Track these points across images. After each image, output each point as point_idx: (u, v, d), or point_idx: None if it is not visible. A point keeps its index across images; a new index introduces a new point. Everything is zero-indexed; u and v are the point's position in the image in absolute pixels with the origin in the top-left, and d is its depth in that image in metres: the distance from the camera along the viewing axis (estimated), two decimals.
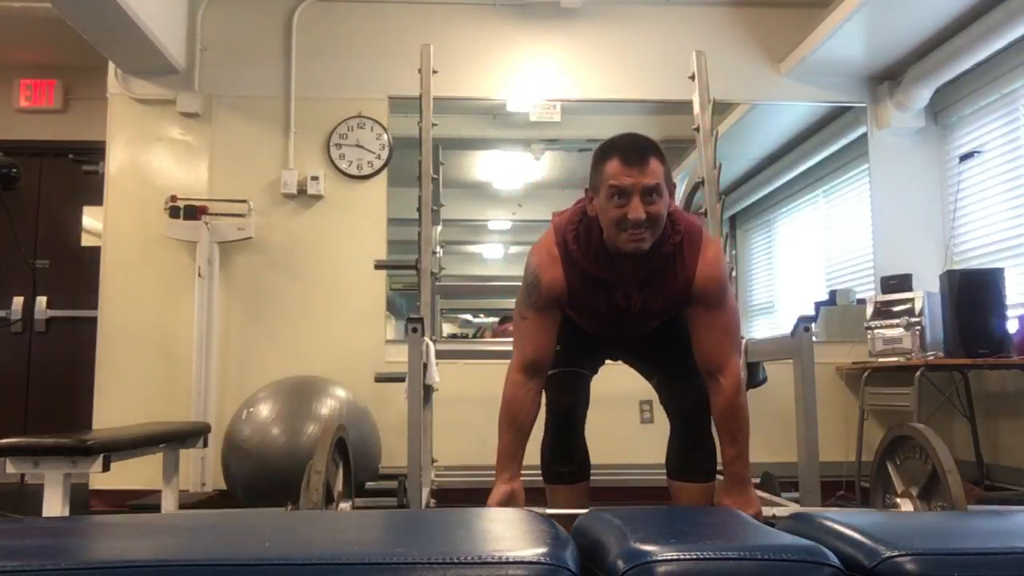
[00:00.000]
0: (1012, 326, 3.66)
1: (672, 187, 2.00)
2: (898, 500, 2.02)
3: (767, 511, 2.77)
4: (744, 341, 3.12)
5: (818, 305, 4.80)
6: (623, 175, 1.89)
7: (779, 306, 5.80)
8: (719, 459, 2.14)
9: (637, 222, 1.88)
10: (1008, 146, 4.09)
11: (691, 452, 2.21)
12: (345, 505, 1.89)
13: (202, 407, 4.03)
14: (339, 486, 1.93)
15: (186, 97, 4.31)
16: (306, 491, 1.72)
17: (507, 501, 1.98)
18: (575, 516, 1.25)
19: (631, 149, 1.92)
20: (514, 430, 2.05)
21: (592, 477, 2.29)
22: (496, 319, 6.14)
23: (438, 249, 3.69)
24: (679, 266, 2.02)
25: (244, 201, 4.23)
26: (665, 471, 2.27)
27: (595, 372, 2.36)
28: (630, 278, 2.04)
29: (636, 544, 0.94)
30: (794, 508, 2.62)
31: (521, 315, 2.10)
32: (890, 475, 2.07)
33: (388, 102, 4.45)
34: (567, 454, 2.24)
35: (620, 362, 2.44)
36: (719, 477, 2.22)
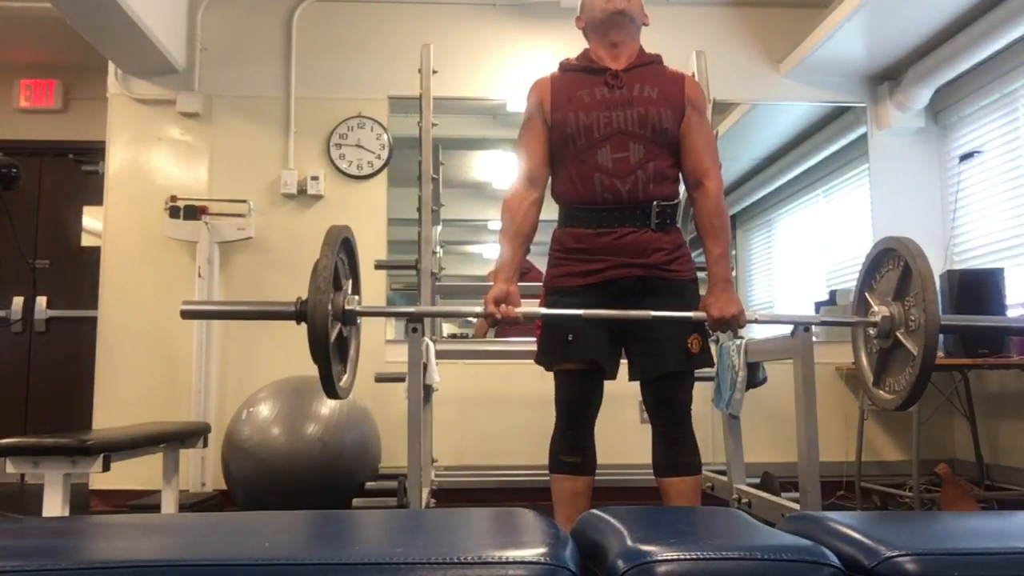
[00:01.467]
0: None
1: (645, 16, 2.31)
2: (875, 308, 2.07)
3: (767, 511, 2.77)
4: (744, 341, 3.13)
5: (818, 305, 4.79)
6: None
7: (779, 306, 5.80)
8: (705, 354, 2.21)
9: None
10: (1008, 146, 4.09)
11: (676, 447, 2.22)
12: (352, 298, 1.94)
13: (202, 407, 4.03)
14: (347, 281, 1.98)
15: (186, 97, 4.31)
16: (314, 279, 1.78)
17: (503, 298, 2.10)
18: (575, 514, 1.25)
19: None
20: (512, 236, 2.19)
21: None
22: None
23: (438, 249, 3.69)
24: (667, 71, 2.27)
25: (244, 201, 4.23)
26: (652, 471, 2.26)
27: (609, 367, 2.29)
28: (617, 62, 2.23)
29: (636, 544, 0.94)
30: (794, 508, 2.62)
31: (519, 136, 2.30)
32: (868, 301, 2.14)
33: (388, 102, 4.45)
34: (574, 445, 2.25)
35: (619, 365, 2.43)
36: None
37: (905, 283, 1.97)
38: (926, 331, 1.87)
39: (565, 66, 2.30)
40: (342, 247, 1.95)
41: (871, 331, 2.10)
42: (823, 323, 2.36)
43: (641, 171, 2.15)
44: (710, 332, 2.25)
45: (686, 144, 2.21)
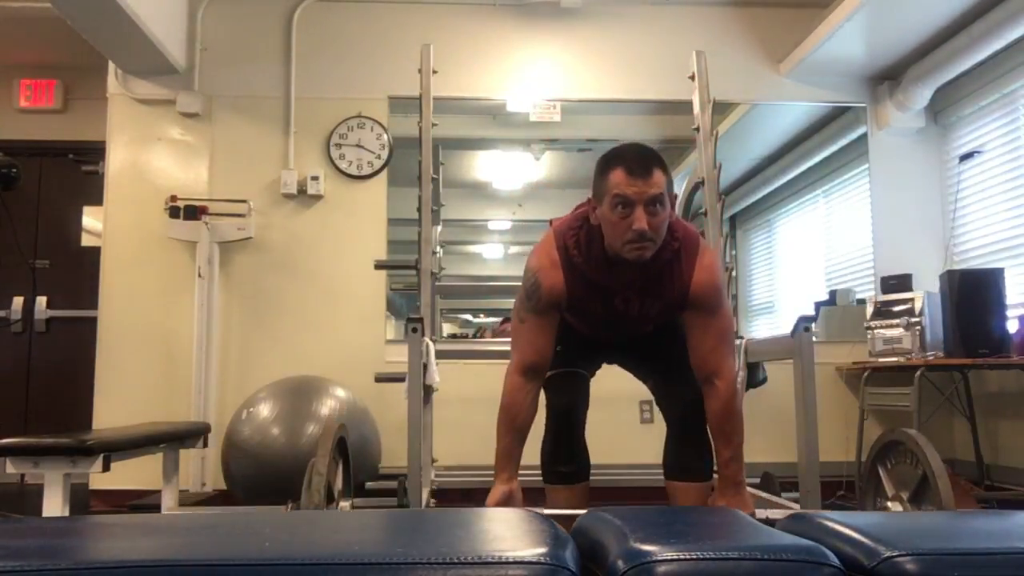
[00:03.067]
0: (1012, 326, 3.66)
1: (673, 198, 2.01)
2: (888, 504, 2.02)
3: (766, 512, 2.77)
4: (744, 341, 3.12)
5: (818, 305, 4.80)
6: (627, 185, 1.90)
7: (779, 306, 5.80)
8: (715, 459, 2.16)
9: (641, 233, 1.90)
10: (1008, 146, 4.09)
11: (688, 451, 2.22)
12: (345, 504, 1.90)
13: (202, 407, 4.03)
14: (339, 485, 1.94)
15: (186, 97, 4.31)
16: (307, 491, 1.73)
17: (505, 501, 2.00)
18: (575, 516, 1.25)
19: (636, 160, 1.93)
20: (513, 432, 2.08)
21: (592, 477, 2.29)
22: (497, 319, 6.14)
23: (438, 249, 3.69)
24: (676, 272, 2.05)
25: (244, 201, 4.23)
26: (663, 471, 2.27)
27: (593, 374, 2.36)
28: (629, 284, 2.06)
29: (636, 544, 0.94)
30: (794, 508, 2.62)
31: (520, 318, 2.11)
32: (881, 479, 2.08)
33: (388, 102, 4.45)
34: (567, 454, 2.25)
35: (617, 366, 2.44)
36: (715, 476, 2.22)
37: (924, 491, 1.91)
38: None
39: (575, 263, 2.06)
40: (337, 447, 1.90)
41: None
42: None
43: (640, 330, 2.23)
44: None
45: (693, 340, 2.09)
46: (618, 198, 1.91)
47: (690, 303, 2.05)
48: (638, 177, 1.90)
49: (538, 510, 2.05)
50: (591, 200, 2.04)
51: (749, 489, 3.08)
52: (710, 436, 2.12)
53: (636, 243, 1.92)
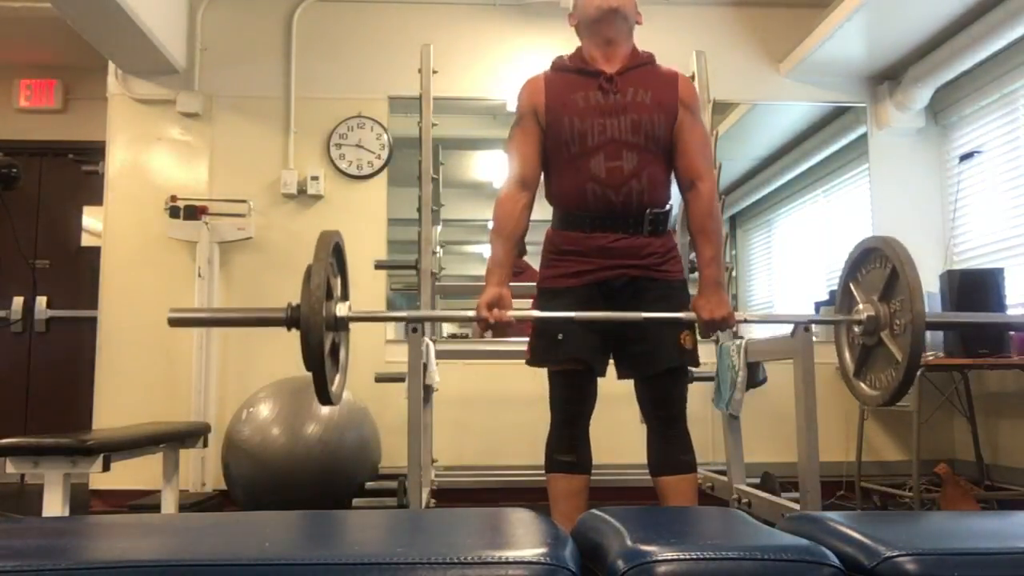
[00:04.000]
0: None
1: (639, 15, 2.28)
2: (859, 307, 2.06)
3: (767, 511, 2.77)
4: (744, 341, 3.12)
5: (818, 305, 4.79)
6: None
7: (779, 306, 5.79)
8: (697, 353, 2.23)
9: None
10: (1008, 146, 4.09)
11: (671, 445, 2.23)
12: (342, 305, 1.94)
13: (202, 407, 4.03)
14: (337, 289, 1.98)
15: (186, 97, 4.31)
16: (306, 287, 1.78)
17: (495, 302, 2.10)
18: (572, 512, 1.25)
19: None
20: (503, 239, 2.20)
21: (592, 477, 2.29)
22: None
23: (438, 249, 3.69)
24: (660, 71, 2.26)
25: (244, 201, 4.23)
26: (648, 471, 2.27)
27: (602, 368, 2.30)
28: (610, 68, 2.20)
29: (636, 544, 0.94)
30: (794, 508, 2.62)
31: (510, 136, 2.29)
32: (853, 293, 2.12)
33: (388, 102, 4.45)
34: (569, 445, 2.25)
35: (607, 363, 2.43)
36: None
37: (892, 286, 1.97)
38: (911, 336, 1.87)
39: (558, 66, 2.28)
40: (333, 253, 1.94)
41: (856, 328, 2.12)
42: (812, 322, 2.38)
43: (635, 180, 2.16)
44: (701, 333, 2.26)
45: (679, 145, 2.21)
46: None
47: (681, 99, 2.20)
48: None
49: (527, 313, 2.16)
50: (571, 16, 2.32)
51: (749, 489, 3.10)
52: (695, 237, 2.21)
53: (608, 5, 2.18)
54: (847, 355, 2.18)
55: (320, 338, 1.78)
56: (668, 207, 2.24)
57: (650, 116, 2.16)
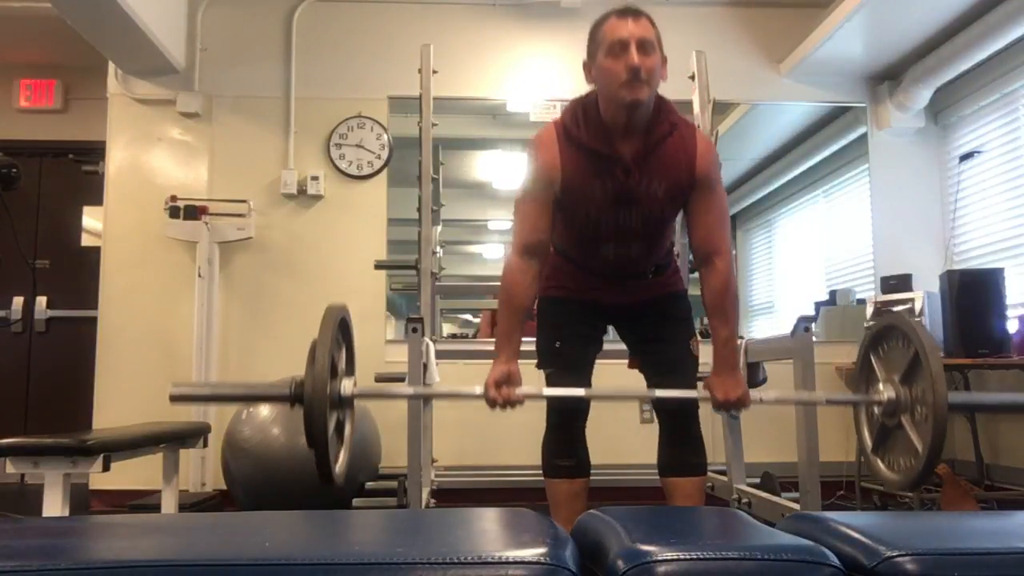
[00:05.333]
0: (1012, 326, 3.66)
1: (664, 59, 2.05)
2: (880, 386, 2.02)
3: (767, 511, 2.77)
4: (744, 341, 3.12)
5: (818, 305, 4.80)
6: (619, 27, 1.99)
7: (779, 306, 5.80)
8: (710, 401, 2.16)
9: (635, 68, 1.94)
10: (1008, 146, 4.09)
11: (682, 447, 2.22)
12: (347, 381, 1.90)
13: (202, 407, 4.02)
14: (342, 363, 1.94)
15: (186, 97, 4.31)
16: (311, 367, 1.74)
17: (504, 380, 2.01)
18: (573, 516, 1.25)
19: (625, 9, 2.03)
20: (512, 311, 2.10)
21: (592, 477, 2.29)
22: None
23: (438, 249, 3.69)
24: (678, 146, 2.07)
25: (244, 201, 4.22)
26: (657, 470, 2.27)
27: (593, 361, 2.33)
28: (629, 151, 2.05)
29: (636, 544, 0.94)
30: (794, 508, 2.62)
31: (519, 200, 2.15)
32: (873, 367, 2.07)
33: (388, 102, 4.45)
34: (567, 449, 2.26)
35: (616, 362, 2.43)
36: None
37: (915, 371, 1.90)
38: (933, 427, 1.79)
39: (574, 136, 2.08)
40: (339, 328, 1.91)
41: (876, 408, 2.06)
42: (830, 403, 2.30)
43: (641, 259, 2.22)
44: (714, 410, 2.22)
45: (693, 219, 2.11)
46: (611, 42, 1.98)
47: (696, 179, 2.07)
48: (628, 19, 1.99)
49: (533, 390, 2.09)
50: (586, 64, 2.09)
51: (749, 489, 3.10)
52: (710, 316, 2.12)
53: (631, 84, 1.95)
54: (865, 431, 2.11)
55: (324, 417, 1.72)
56: (671, 248, 2.31)
57: (660, 209, 2.12)
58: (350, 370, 1.98)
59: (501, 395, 1.99)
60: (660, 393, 2.12)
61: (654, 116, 2.05)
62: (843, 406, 2.19)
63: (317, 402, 1.71)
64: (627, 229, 2.12)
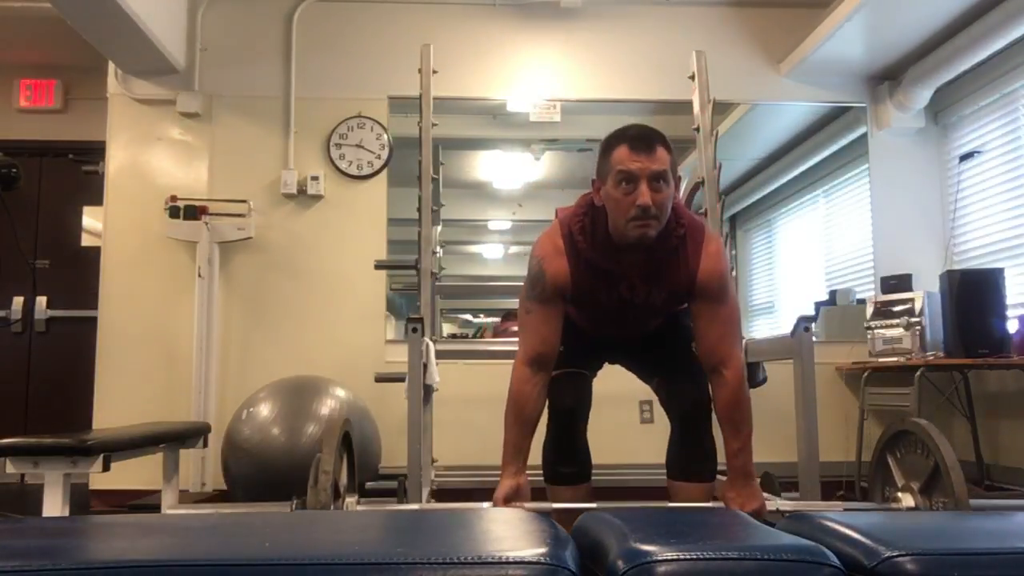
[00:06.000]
0: (1012, 326, 3.66)
1: (678, 180, 2.02)
2: (899, 495, 1.99)
3: (776, 503, 2.77)
4: (744, 341, 3.12)
5: (818, 305, 4.80)
6: (631, 160, 1.92)
7: (779, 306, 5.80)
8: (721, 457, 2.15)
9: (645, 207, 1.90)
10: (1008, 146, 4.09)
11: (691, 451, 2.21)
12: (351, 500, 1.88)
13: (202, 407, 4.03)
14: (344, 481, 1.93)
15: (186, 97, 4.31)
16: (313, 489, 1.71)
17: (513, 495, 1.97)
18: (575, 514, 1.25)
19: (639, 137, 1.95)
20: (520, 424, 2.06)
21: (593, 477, 2.29)
22: (498, 319, 6.14)
23: (438, 249, 3.69)
24: (682, 259, 2.04)
25: (244, 201, 4.22)
26: (665, 471, 2.27)
27: (595, 374, 2.37)
28: (635, 269, 2.05)
29: (636, 544, 0.94)
30: (794, 508, 2.62)
31: (526, 309, 2.10)
32: (891, 469, 2.04)
33: (388, 102, 4.45)
34: (569, 455, 2.25)
35: (620, 365, 2.45)
36: (720, 478, 2.22)
37: (935, 483, 1.88)
38: None
39: (583, 251, 2.05)
40: (342, 443, 1.89)
41: None
42: (848, 509, 2.25)
43: (648, 329, 2.28)
44: None
45: (700, 329, 2.08)
46: (622, 174, 1.92)
47: (697, 292, 2.04)
48: (641, 152, 1.91)
49: (544, 505, 2.06)
50: (595, 182, 2.03)
51: None
52: (722, 426, 2.09)
53: (640, 220, 1.92)
54: None
55: None
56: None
57: (661, 311, 2.18)
58: (352, 486, 1.94)
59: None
60: (675, 504, 2.12)
61: (662, 232, 2.00)
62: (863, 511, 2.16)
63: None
64: (629, 321, 2.19)
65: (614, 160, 1.94)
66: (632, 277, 2.06)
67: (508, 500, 1.96)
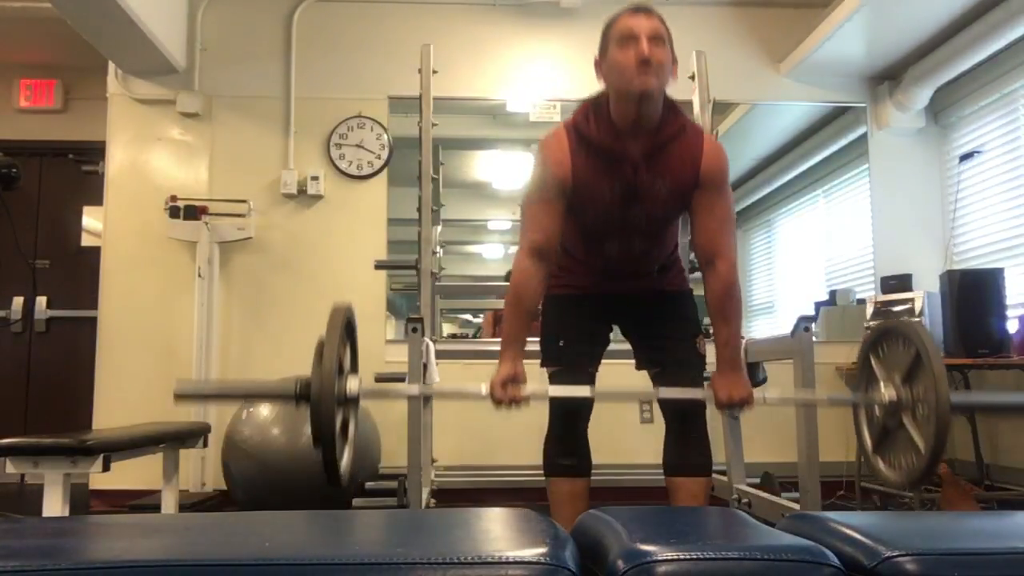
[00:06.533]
0: (1012, 326, 3.66)
1: (675, 59, 2.07)
2: (881, 387, 1.99)
3: (767, 511, 2.77)
4: (744, 341, 3.12)
5: (818, 305, 4.79)
6: (630, 21, 2.01)
7: (779, 306, 5.80)
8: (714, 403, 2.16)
9: (645, 59, 1.95)
10: (1008, 146, 4.09)
11: (688, 446, 2.22)
12: (352, 380, 1.91)
13: (202, 407, 4.02)
14: (347, 363, 1.95)
15: (186, 97, 4.31)
16: (318, 365, 1.74)
17: (510, 379, 2.02)
18: (574, 516, 1.25)
19: (637, 6, 2.06)
20: (520, 314, 2.11)
21: (592, 477, 2.29)
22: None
23: (438, 249, 3.69)
24: (686, 145, 2.08)
25: (244, 201, 4.23)
26: (662, 470, 2.27)
27: (596, 366, 2.34)
28: (638, 151, 2.06)
29: (636, 544, 0.94)
30: (794, 508, 2.62)
31: (528, 202, 2.14)
32: (873, 369, 2.05)
33: (388, 102, 4.45)
34: (569, 448, 2.26)
35: (618, 362, 2.44)
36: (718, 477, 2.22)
37: (916, 372, 1.88)
38: (936, 426, 1.77)
39: (584, 135, 2.09)
40: (345, 328, 1.91)
41: (877, 408, 2.04)
42: (833, 403, 2.29)
43: (644, 257, 2.24)
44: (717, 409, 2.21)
45: (697, 222, 2.11)
46: (623, 34, 2.00)
47: (701, 181, 2.07)
48: (640, 15, 2.02)
49: (540, 388, 2.10)
50: (596, 61, 2.10)
51: (749, 489, 3.10)
52: (712, 318, 2.13)
53: (640, 70, 1.96)
54: (866, 431, 2.10)
55: (331, 415, 1.71)
56: (675, 253, 2.33)
57: (664, 209, 2.14)
58: (354, 369, 1.98)
59: (507, 395, 1.99)
60: (664, 392, 2.12)
61: (663, 116, 2.06)
62: (844, 406, 2.18)
63: (325, 401, 1.71)
64: (631, 227, 2.14)
65: (614, 29, 2.04)
66: (635, 158, 2.06)
67: (505, 384, 2.01)
